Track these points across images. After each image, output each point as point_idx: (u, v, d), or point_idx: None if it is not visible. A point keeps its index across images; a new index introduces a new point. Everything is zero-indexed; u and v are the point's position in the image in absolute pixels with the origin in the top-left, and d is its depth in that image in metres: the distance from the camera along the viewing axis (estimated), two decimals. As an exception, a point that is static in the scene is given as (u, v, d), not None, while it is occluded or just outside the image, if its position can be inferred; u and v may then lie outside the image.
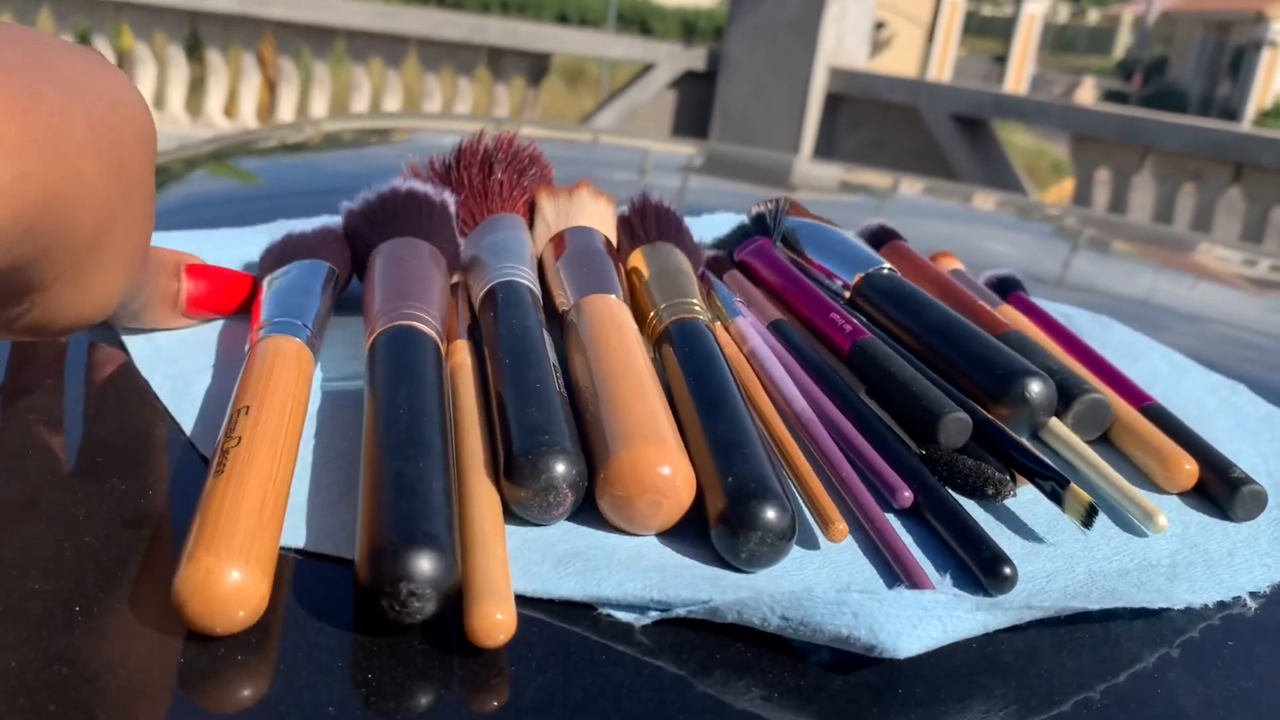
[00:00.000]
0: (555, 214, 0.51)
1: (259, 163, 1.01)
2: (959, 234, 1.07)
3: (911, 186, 1.37)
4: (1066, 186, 6.78)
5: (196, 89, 4.89)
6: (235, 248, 0.53)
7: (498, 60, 4.95)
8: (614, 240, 0.51)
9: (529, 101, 5.12)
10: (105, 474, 0.34)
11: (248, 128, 4.75)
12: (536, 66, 5.04)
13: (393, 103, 4.82)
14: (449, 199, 0.48)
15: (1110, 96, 17.48)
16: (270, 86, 5.09)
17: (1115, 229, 1.37)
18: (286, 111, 4.81)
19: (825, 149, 5.28)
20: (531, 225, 0.52)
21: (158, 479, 0.35)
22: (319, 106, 4.82)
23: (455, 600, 0.28)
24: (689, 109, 5.39)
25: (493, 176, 0.52)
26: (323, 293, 0.42)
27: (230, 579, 0.26)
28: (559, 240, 0.49)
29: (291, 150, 1.12)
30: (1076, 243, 1.17)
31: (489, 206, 0.52)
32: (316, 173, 1.02)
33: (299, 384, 0.36)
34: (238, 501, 0.28)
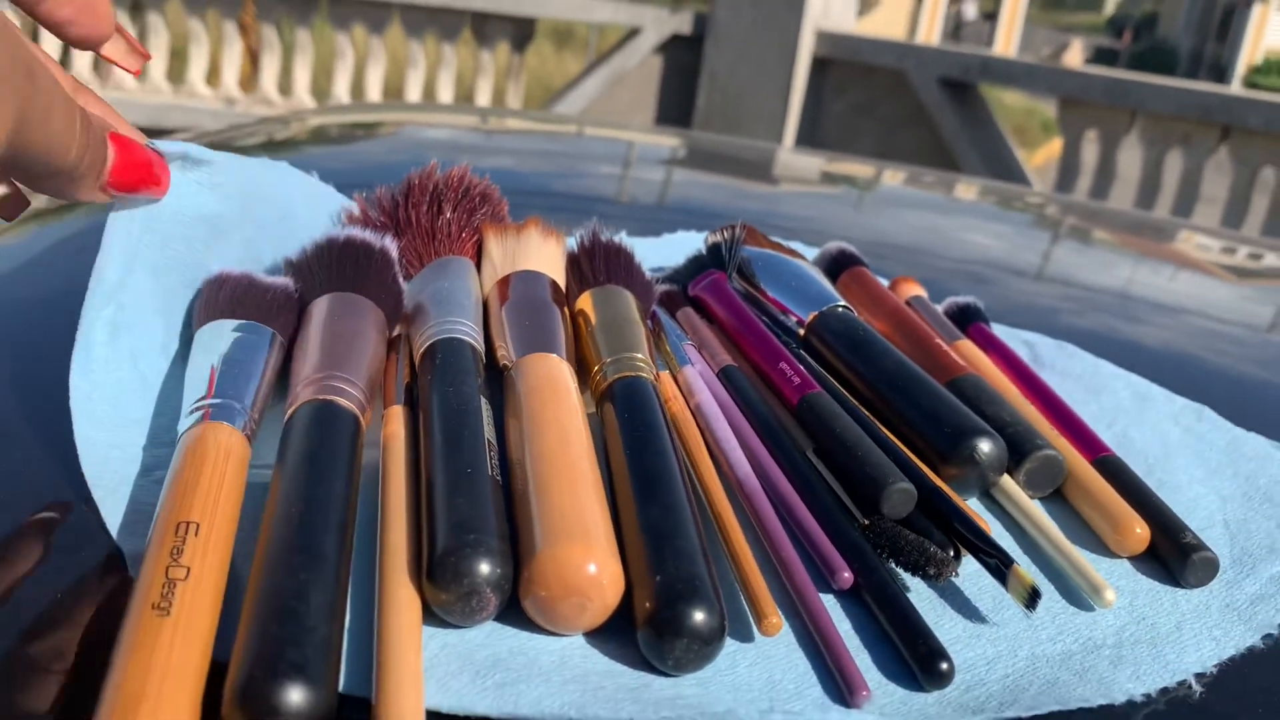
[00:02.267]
0: (503, 255, 0.49)
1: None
2: (939, 224, 1.06)
3: (894, 177, 1.36)
4: (1056, 146, 6.73)
5: (179, 57, 4.81)
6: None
7: (482, 25, 4.89)
8: (562, 282, 0.49)
9: (514, 68, 5.07)
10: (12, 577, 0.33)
11: (231, 97, 4.70)
12: (521, 31, 4.98)
13: (376, 71, 4.76)
14: (389, 245, 0.46)
15: (1100, 53, 17.35)
16: (252, 56, 5.01)
17: (1095, 216, 1.36)
18: (269, 81, 4.75)
19: (812, 114, 5.24)
20: (479, 264, 0.51)
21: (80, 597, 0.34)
22: (302, 75, 4.76)
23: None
24: (676, 74, 5.34)
25: (442, 216, 0.51)
26: (267, 365, 0.40)
27: None
28: (504, 285, 0.48)
29: (277, 146, 1.09)
30: (1057, 232, 1.16)
31: (436, 248, 0.50)
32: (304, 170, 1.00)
33: (240, 491, 0.34)
34: (186, 658, 0.26)
